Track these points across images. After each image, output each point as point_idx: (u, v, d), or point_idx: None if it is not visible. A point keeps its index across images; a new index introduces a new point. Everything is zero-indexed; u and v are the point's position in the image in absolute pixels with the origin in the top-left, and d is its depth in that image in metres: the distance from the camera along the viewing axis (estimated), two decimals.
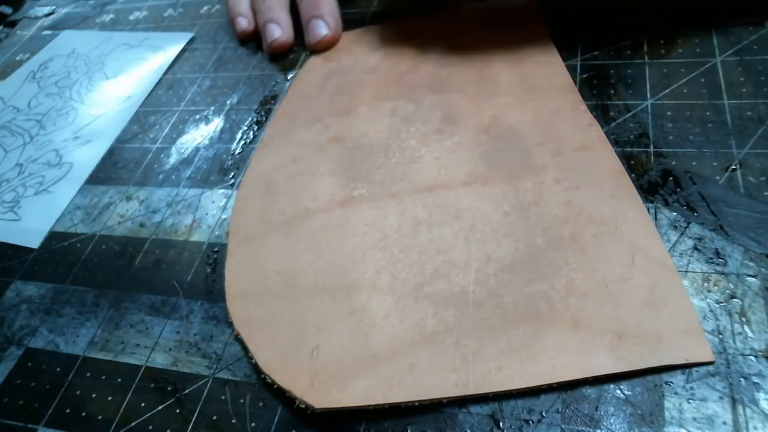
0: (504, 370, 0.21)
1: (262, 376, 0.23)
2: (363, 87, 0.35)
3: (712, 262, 0.23)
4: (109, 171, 0.36)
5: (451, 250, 0.25)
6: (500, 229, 0.25)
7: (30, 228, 0.34)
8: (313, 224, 0.28)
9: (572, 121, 0.29)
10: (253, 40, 0.43)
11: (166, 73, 0.43)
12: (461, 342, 0.22)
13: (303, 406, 0.22)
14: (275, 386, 0.23)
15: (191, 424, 0.23)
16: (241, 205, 0.30)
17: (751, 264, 0.22)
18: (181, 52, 0.44)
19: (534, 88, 0.32)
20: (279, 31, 0.39)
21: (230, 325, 0.26)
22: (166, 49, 0.45)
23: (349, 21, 0.41)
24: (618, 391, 0.20)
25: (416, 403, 0.21)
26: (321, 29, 0.39)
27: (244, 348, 0.25)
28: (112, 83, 0.44)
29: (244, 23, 0.42)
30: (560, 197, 0.26)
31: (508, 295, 0.23)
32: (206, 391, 0.24)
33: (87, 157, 0.38)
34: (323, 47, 0.39)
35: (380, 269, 0.25)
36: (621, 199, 0.25)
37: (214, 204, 0.32)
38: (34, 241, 0.33)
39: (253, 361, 0.24)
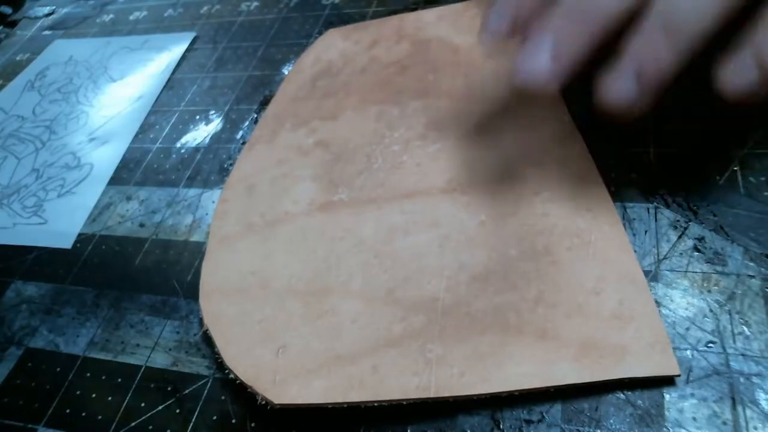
0: (467, 375, 0.21)
1: (227, 371, 0.24)
2: (350, 89, 0.35)
3: (712, 262, 0.23)
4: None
5: (425, 258, 0.25)
6: (475, 238, 0.25)
7: (58, 230, 0.34)
8: (291, 228, 0.28)
9: (555, 132, 0.29)
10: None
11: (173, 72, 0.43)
12: (426, 347, 0.22)
13: (263, 402, 0.22)
14: (238, 381, 0.23)
15: (191, 424, 0.23)
16: (223, 206, 0.30)
17: (751, 264, 0.22)
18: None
19: (520, 97, 0.31)
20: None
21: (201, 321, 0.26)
22: (171, 49, 0.45)
23: (348, 21, 0.41)
24: (618, 391, 0.20)
25: (375, 404, 0.21)
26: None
27: (211, 344, 0.25)
28: (120, 85, 0.44)
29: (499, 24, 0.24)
30: (537, 209, 0.26)
31: (478, 304, 0.23)
32: (206, 391, 0.24)
33: (107, 157, 0.38)
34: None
35: (353, 274, 0.25)
36: (597, 213, 0.25)
37: (214, 204, 0.32)
38: (66, 242, 0.33)
39: (219, 357, 0.24)
